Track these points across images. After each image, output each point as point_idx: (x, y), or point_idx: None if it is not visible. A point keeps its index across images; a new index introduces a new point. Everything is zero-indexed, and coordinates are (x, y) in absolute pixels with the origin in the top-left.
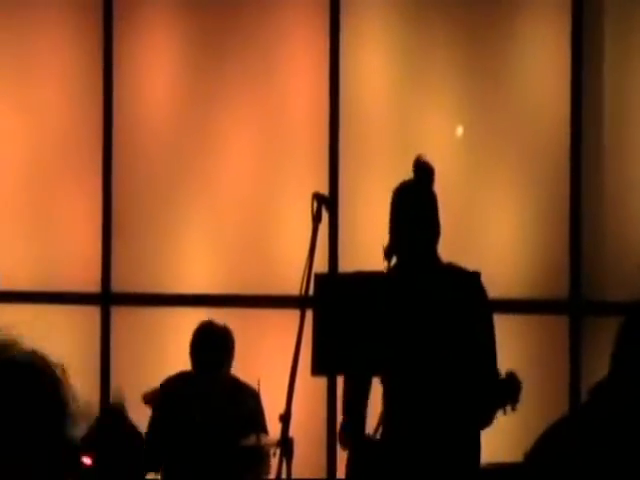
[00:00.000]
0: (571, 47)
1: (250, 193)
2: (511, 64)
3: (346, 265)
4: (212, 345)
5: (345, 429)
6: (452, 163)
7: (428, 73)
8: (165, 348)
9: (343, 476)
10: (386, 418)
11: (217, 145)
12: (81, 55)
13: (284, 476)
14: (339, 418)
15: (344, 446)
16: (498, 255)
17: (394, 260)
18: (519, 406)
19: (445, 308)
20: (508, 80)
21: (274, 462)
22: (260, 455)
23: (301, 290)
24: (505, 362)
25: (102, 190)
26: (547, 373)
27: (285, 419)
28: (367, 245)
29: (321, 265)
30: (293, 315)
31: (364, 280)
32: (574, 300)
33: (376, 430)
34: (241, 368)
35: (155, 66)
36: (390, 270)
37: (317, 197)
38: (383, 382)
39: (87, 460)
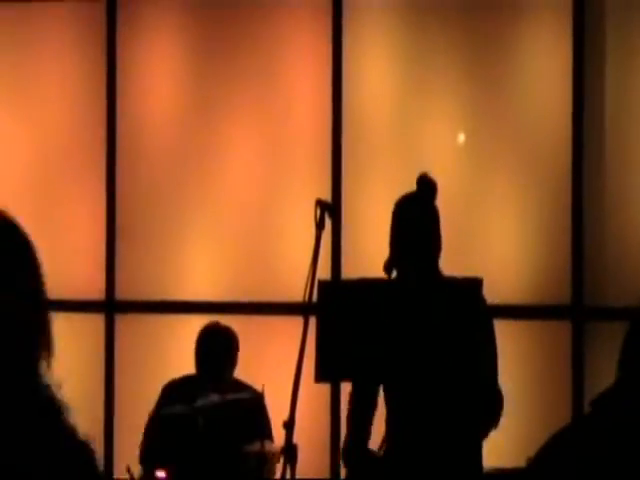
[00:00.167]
0: (572, 53)
1: (253, 200)
2: (513, 71)
3: (349, 272)
4: (217, 344)
5: (348, 446)
6: (454, 169)
7: (430, 79)
8: (169, 355)
9: None
10: (388, 428)
11: (220, 151)
12: (84, 61)
13: None
14: (343, 427)
15: (346, 465)
16: (501, 261)
17: (394, 274)
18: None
19: (445, 322)
20: (510, 87)
21: (278, 468)
22: (264, 460)
23: (304, 297)
24: (508, 368)
25: (106, 197)
26: (549, 378)
27: (289, 426)
28: (370, 252)
29: (324, 272)
30: (297, 322)
31: (367, 287)
32: (576, 306)
33: (380, 447)
34: (245, 375)
35: (158, 72)
36: (392, 281)
37: (320, 204)
38: (385, 390)
39: (161, 474)
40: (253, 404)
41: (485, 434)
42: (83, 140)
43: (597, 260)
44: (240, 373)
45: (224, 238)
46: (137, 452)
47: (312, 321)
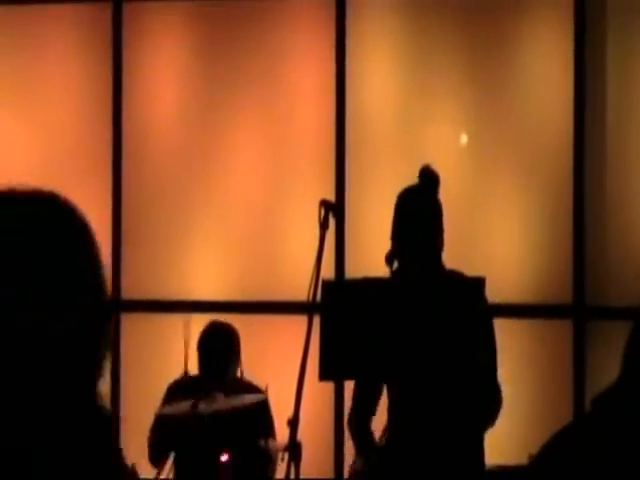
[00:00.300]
0: (574, 55)
1: (258, 200)
2: (515, 73)
3: (353, 271)
4: (218, 342)
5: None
6: (457, 170)
7: (433, 81)
8: (175, 354)
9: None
10: (390, 423)
11: (225, 153)
12: (90, 63)
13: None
14: (346, 425)
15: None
16: (502, 261)
17: (395, 265)
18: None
19: (448, 316)
20: (512, 89)
21: (282, 466)
22: (267, 456)
23: (309, 296)
24: (510, 366)
25: (112, 198)
26: (551, 377)
27: (293, 423)
28: (373, 251)
29: (328, 271)
30: (301, 321)
31: (371, 286)
32: (578, 305)
33: (381, 437)
34: (250, 373)
35: (164, 74)
36: (394, 276)
37: (324, 204)
38: (388, 387)
39: (224, 457)
40: (257, 407)
41: (483, 428)
42: (89, 142)
43: (598, 260)
44: (245, 371)
45: (229, 238)
46: (142, 450)
47: (316, 320)
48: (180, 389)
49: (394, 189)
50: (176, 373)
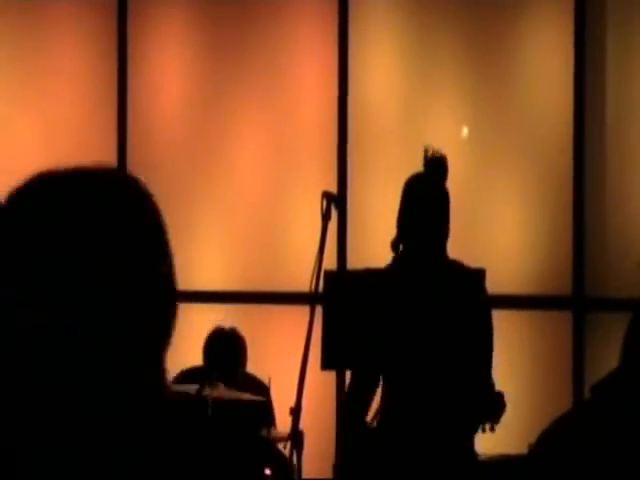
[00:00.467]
0: (574, 49)
1: (261, 192)
2: (516, 67)
3: (355, 262)
4: (223, 350)
5: (347, 424)
6: (458, 162)
7: (435, 74)
8: (179, 344)
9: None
10: (384, 409)
11: (228, 144)
12: (95, 57)
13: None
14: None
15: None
16: (503, 252)
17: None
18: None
19: (448, 306)
20: (513, 82)
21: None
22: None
23: (311, 287)
24: (509, 357)
25: None
26: (550, 368)
27: (295, 412)
28: (375, 243)
29: (330, 262)
30: (303, 311)
31: (372, 277)
32: (577, 296)
33: (373, 418)
34: (252, 363)
35: (168, 68)
36: (397, 264)
37: (326, 195)
38: (385, 375)
39: (267, 471)
40: (258, 405)
41: (476, 423)
42: (94, 135)
43: (598, 251)
44: (248, 362)
45: (232, 229)
46: None
47: (318, 310)
48: (187, 381)
49: (396, 181)
50: (181, 362)
